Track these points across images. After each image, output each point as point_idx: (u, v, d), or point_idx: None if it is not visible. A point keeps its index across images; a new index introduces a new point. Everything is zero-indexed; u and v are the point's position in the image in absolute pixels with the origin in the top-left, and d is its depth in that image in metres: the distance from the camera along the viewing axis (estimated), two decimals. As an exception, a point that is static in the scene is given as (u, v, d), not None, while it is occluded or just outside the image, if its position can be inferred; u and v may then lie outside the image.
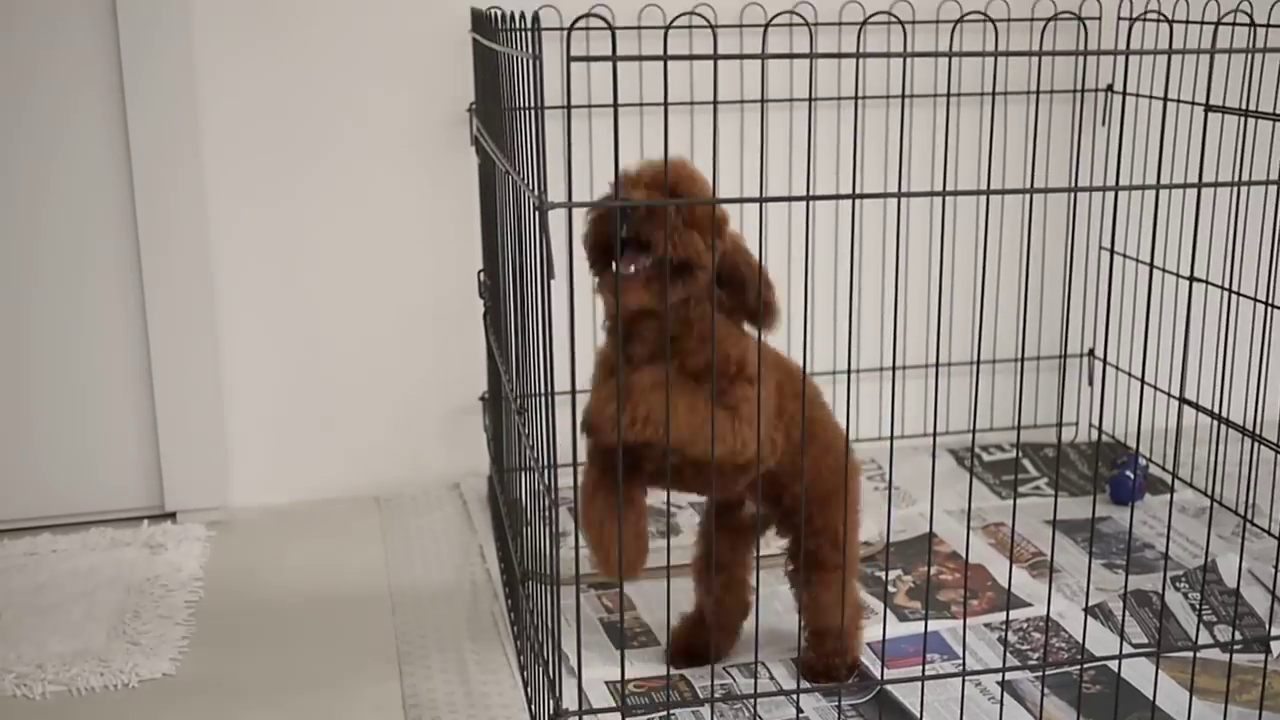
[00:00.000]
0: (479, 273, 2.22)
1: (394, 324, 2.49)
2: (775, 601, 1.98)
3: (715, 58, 1.29)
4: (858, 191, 1.29)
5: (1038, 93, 1.29)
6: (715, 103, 1.29)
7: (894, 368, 1.40)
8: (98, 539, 2.33)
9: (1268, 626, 1.89)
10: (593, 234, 1.59)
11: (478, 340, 2.46)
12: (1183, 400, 1.96)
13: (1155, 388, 2.22)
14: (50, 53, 2.27)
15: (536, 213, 1.29)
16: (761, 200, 1.35)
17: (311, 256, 2.44)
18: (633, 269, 1.55)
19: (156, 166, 2.31)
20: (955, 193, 1.30)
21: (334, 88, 2.39)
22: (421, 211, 2.46)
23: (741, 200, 1.36)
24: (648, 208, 1.53)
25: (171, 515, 2.44)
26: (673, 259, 1.53)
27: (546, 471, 1.44)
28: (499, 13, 1.74)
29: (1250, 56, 1.46)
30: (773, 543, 1.86)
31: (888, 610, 1.98)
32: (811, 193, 1.37)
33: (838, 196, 1.32)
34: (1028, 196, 2.58)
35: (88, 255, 2.35)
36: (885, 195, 1.30)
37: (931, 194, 1.32)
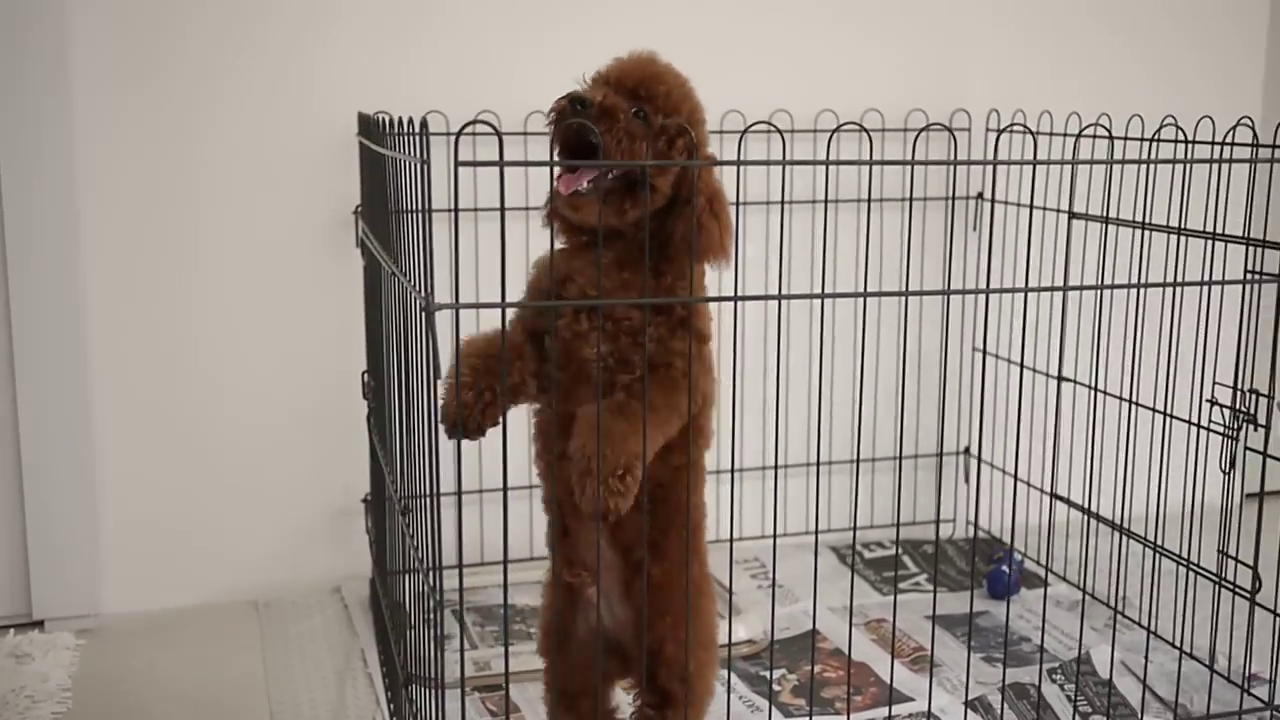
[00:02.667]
0: (363, 374, 2.21)
1: (274, 425, 2.46)
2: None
3: (603, 165, 1.32)
4: (739, 294, 1.32)
5: (911, 200, 1.35)
6: (600, 209, 1.32)
7: (775, 466, 1.43)
8: (-40, 649, 2.24)
9: (1140, 716, 1.93)
10: (557, 138, 1.44)
11: (360, 442, 2.44)
12: (1053, 495, 2.02)
13: (1027, 484, 2.28)
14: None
15: (423, 314, 1.30)
16: (645, 304, 1.37)
17: (190, 357, 2.41)
18: (585, 184, 1.41)
19: (31, 260, 2.26)
20: (834, 295, 1.34)
21: (218, 188, 2.38)
22: (304, 312, 2.45)
23: (628, 303, 1.38)
24: (601, 106, 1.39)
25: (39, 623, 2.36)
26: (616, 173, 1.41)
27: (431, 574, 1.43)
28: (386, 118, 1.75)
29: (1109, 167, 1.54)
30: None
31: (773, 709, 1.99)
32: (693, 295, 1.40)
33: (720, 299, 1.35)
34: (903, 299, 2.65)
35: (-43, 355, 2.30)
36: (765, 298, 1.33)
37: (810, 296, 1.36)
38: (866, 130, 1.38)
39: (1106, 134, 1.69)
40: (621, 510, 1.37)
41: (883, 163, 1.32)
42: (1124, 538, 2.07)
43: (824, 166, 1.35)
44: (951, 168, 2.64)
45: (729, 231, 1.49)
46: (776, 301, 1.35)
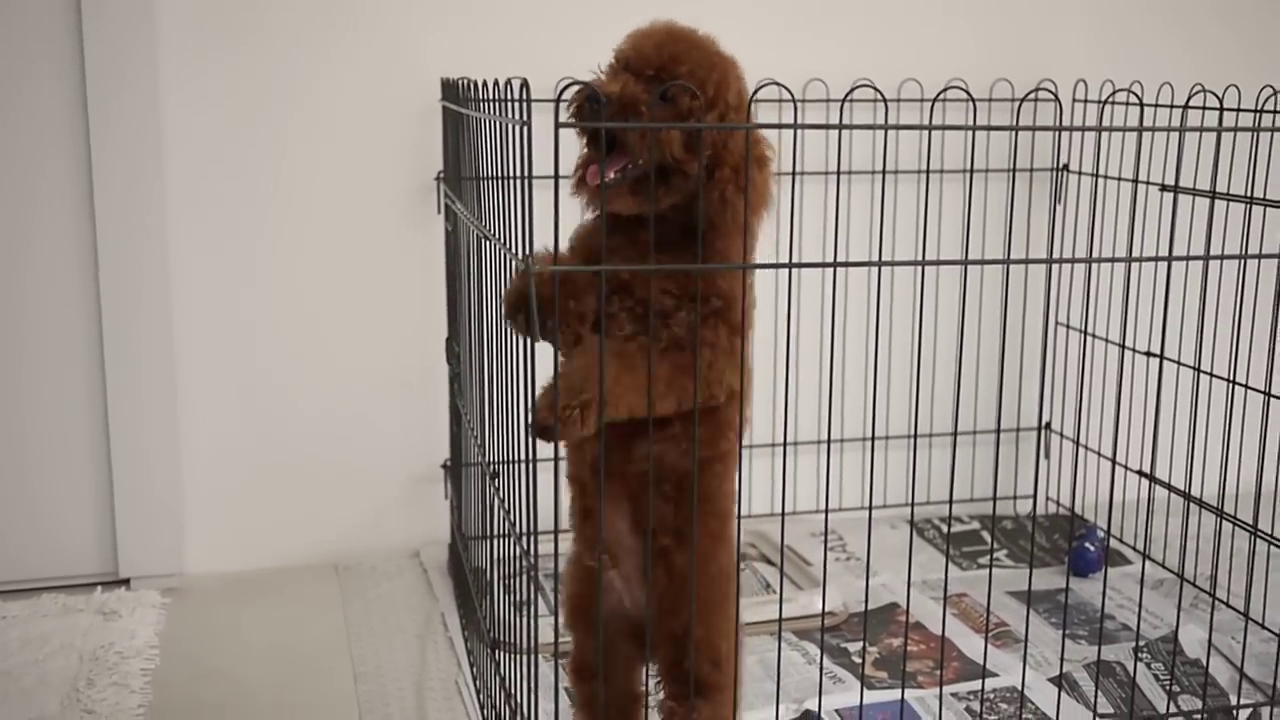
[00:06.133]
0: (447, 340, 2.22)
1: (355, 391, 2.48)
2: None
3: (704, 127, 1.31)
4: (839, 260, 1.31)
5: (1014, 170, 1.32)
6: (701, 172, 1.31)
7: (872, 438, 1.41)
8: (49, 605, 2.28)
9: (1236, 698, 1.91)
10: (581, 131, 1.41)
11: (439, 408, 2.45)
12: (1152, 478, 1.99)
13: (1112, 460, 2.24)
14: (15, 112, 2.26)
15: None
16: (745, 267, 1.36)
17: (273, 322, 2.43)
18: (613, 175, 1.35)
19: (120, 228, 2.29)
20: (935, 262, 1.32)
21: (299, 155, 2.39)
22: (385, 279, 2.45)
23: (727, 267, 1.37)
24: (620, 101, 1.32)
25: (125, 582, 2.39)
26: (649, 163, 1.34)
27: (525, 538, 1.43)
28: (476, 81, 1.75)
29: (1218, 139, 1.51)
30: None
31: (862, 684, 1.98)
32: (794, 260, 1.39)
33: (820, 265, 1.34)
34: (980, 270, 2.62)
35: (46, 316, 2.32)
36: (866, 264, 1.31)
37: (911, 263, 1.34)
38: (972, 98, 1.36)
39: (1217, 104, 1.66)
40: (568, 438, 1.34)
41: (986, 128, 1.30)
42: (1219, 519, 2.04)
43: (926, 133, 1.33)
44: (1033, 136, 2.60)
45: (758, 209, 1.42)
46: (877, 269, 1.34)
